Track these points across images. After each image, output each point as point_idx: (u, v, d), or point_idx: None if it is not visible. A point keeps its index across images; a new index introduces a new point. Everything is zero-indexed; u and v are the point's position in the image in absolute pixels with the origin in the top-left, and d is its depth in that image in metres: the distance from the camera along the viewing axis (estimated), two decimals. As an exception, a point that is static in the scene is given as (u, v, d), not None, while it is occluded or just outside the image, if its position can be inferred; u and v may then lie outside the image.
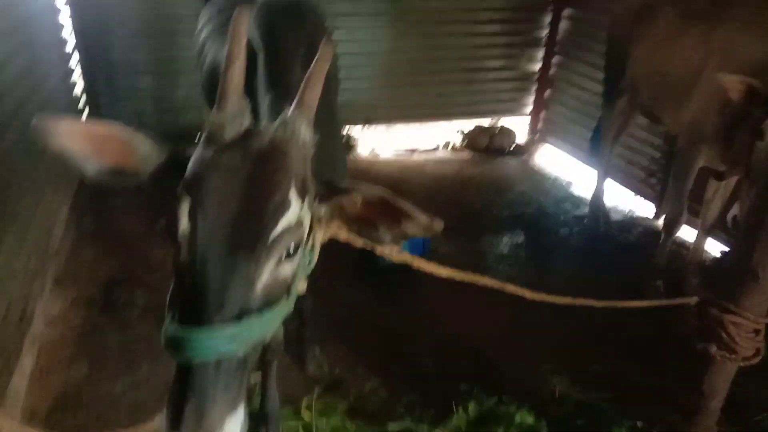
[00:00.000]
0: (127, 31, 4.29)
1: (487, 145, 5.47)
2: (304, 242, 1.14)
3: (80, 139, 1.14)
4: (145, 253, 3.50)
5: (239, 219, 1.03)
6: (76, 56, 4.23)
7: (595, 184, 4.17)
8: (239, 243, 1.02)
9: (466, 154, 5.42)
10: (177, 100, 4.55)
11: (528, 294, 1.87)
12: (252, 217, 1.03)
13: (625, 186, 4.60)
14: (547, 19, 5.25)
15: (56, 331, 2.87)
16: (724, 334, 1.69)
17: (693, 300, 1.78)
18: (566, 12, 5.15)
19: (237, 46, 1.13)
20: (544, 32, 5.31)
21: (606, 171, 4.15)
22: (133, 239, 3.64)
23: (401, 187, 4.48)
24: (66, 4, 4.06)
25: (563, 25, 5.20)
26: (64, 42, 4.07)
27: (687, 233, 3.93)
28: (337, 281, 3.30)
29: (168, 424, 0.98)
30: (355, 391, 2.61)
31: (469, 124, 5.55)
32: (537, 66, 5.43)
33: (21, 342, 2.56)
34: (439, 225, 1.19)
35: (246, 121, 1.13)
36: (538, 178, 5.04)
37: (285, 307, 1.13)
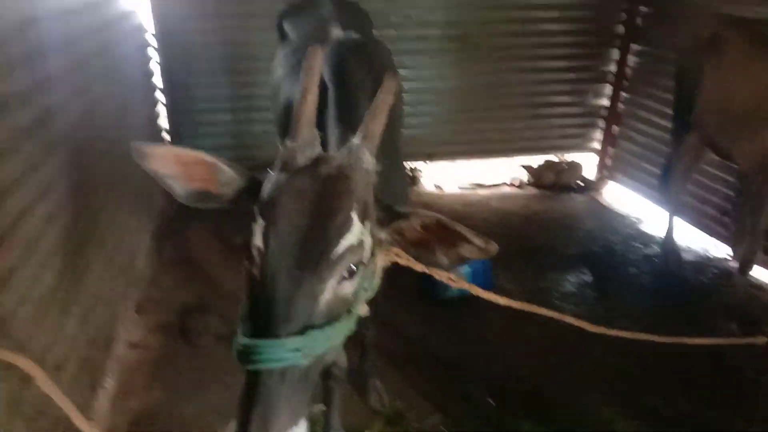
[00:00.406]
0: (208, 69, 4.58)
1: (554, 182, 5.42)
2: (364, 263, 1.22)
3: (172, 163, 1.29)
4: (219, 282, 3.69)
5: (306, 238, 1.13)
6: (161, 94, 4.58)
7: (667, 223, 4.05)
8: (305, 260, 1.12)
9: (532, 190, 5.39)
10: (253, 135, 4.80)
11: (589, 326, 1.86)
12: (317, 236, 1.13)
13: (697, 226, 4.43)
14: (615, 54, 5.21)
15: (136, 355, 3.06)
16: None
17: (762, 340, 1.72)
18: (634, 47, 5.10)
19: (310, 82, 1.26)
20: (612, 68, 5.27)
21: (676, 209, 4.03)
22: (208, 269, 3.85)
23: (464, 222, 4.45)
24: (156, 48, 4.42)
25: (631, 60, 5.15)
26: (152, 82, 4.41)
27: (762, 273, 3.78)
28: (399, 314, 3.36)
29: (238, 428, 1.07)
30: (416, 425, 2.63)
31: (535, 160, 5.53)
32: (605, 101, 5.38)
33: (105, 364, 2.74)
34: (494, 247, 1.25)
35: (316, 150, 1.24)
36: (607, 215, 4.94)
37: (346, 325, 1.22)
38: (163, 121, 4.65)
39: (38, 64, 2.15)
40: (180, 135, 4.73)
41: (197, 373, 2.92)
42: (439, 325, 3.36)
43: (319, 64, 1.29)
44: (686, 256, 4.16)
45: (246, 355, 1.10)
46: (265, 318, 1.11)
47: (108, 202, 2.99)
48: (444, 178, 5.34)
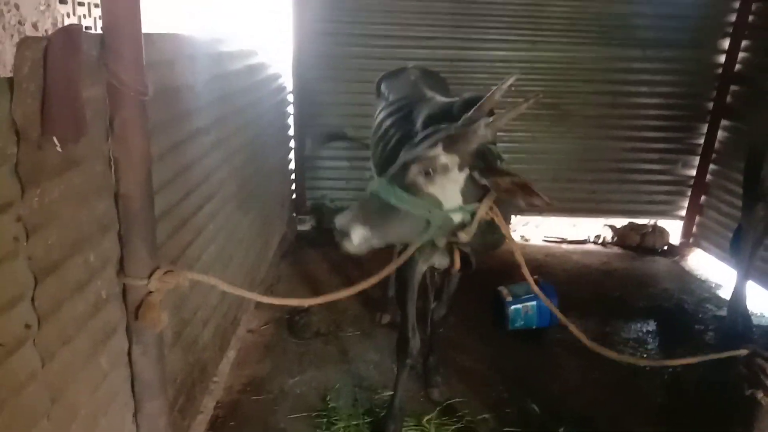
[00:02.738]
0: (332, 123, 5.50)
1: (638, 243, 5.71)
2: (441, 175, 2.04)
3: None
4: (322, 293, 4.40)
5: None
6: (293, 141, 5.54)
7: (735, 285, 4.27)
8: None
9: (615, 249, 5.71)
10: (363, 180, 5.61)
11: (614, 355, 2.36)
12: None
13: (776, 293, 4.57)
14: (704, 128, 5.53)
15: (252, 338, 3.82)
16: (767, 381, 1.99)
17: (743, 352, 2.09)
18: (723, 123, 5.40)
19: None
20: (701, 140, 5.58)
21: (747, 274, 4.23)
22: (314, 282, 4.61)
23: (543, 270, 4.97)
24: (292, 102, 5.41)
25: (720, 134, 5.44)
26: (287, 132, 5.39)
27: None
28: (472, 337, 3.89)
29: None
30: (468, 418, 3.12)
31: (621, 222, 5.86)
32: (693, 172, 5.66)
33: (230, 338, 3.52)
34: (548, 199, 1.97)
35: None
36: (685, 278, 5.17)
37: (420, 210, 2.03)
38: (292, 164, 5.61)
39: (215, 108, 3.03)
40: (303, 175, 5.65)
41: (298, 357, 3.62)
42: (507, 351, 3.81)
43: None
44: (758, 321, 4.32)
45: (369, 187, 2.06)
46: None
47: (251, 212, 3.86)
48: (530, 229, 5.82)
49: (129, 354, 2.02)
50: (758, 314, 4.43)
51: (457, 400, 3.25)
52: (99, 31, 3.00)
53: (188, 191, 2.61)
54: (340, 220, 2.05)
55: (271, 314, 4.10)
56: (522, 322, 4.01)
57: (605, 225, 5.86)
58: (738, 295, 4.25)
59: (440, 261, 2.69)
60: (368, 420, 3.05)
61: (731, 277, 4.92)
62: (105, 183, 1.80)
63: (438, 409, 3.17)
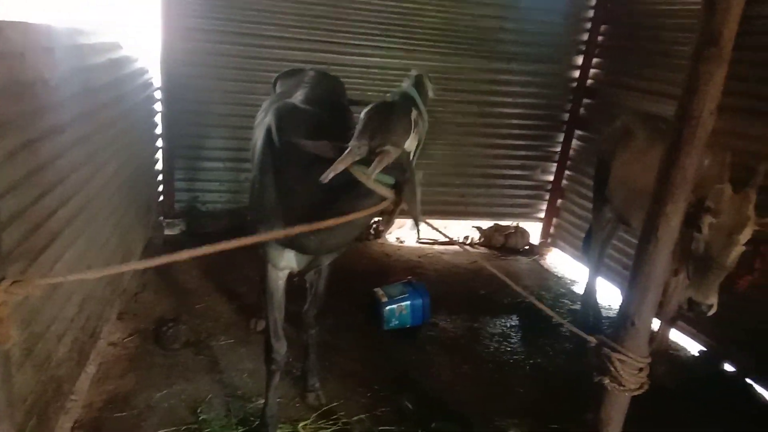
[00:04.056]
0: (205, 122, 5.29)
1: (502, 244, 6.09)
2: None
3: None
4: (193, 301, 4.23)
5: None
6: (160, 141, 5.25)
7: (587, 281, 4.68)
8: None
9: (482, 250, 6.04)
10: (239, 183, 5.46)
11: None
12: None
13: (620, 288, 5.07)
14: (560, 137, 6.02)
15: (115, 351, 3.56)
16: (613, 369, 2.20)
17: (593, 341, 2.30)
18: (577, 132, 5.92)
19: None
20: (558, 148, 6.06)
21: (597, 271, 4.66)
22: (184, 291, 4.40)
23: (417, 270, 5.13)
24: (161, 100, 5.13)
25: (574, 143, 5.95)
26: (155, 131, 5.10)
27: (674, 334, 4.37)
28: (346, 338, 3.91)
29: None
30: (345, 420, 3.14)
31: (488, 224, 6.21)
32: (550, 177, 6.14)
33: (89, 352, 3.26)
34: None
35: None
36: (544, 275, 5.59)
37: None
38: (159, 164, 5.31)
39: (74, 104, 2.79)
40: (173, 176, 5.37)
41: (165, 369, 3.43)
42: (383, 351, 3.89)
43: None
44: (606, 313, 4.77)
45: None
46: None
47: (114, 216, 3.59)
48: (404, 232, 5.99)
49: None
50: (607, 307, 4.88)
51: (334, 403, 3.25)
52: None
53: (42, 193, 2.38)
54: None
55: (135, 325, 3.85)
56: (396, 322, 4.11)
57: (473, 227, 6.17)
58: (589, 290, 4.67)
59: (300, 266, 2.73)
60: (242, 430, 2.97)
61: (584, 273, 5.41)
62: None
63: (315, 413, 3.15)
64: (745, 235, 2.96)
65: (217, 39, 5.07)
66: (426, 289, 4.27)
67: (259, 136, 2.80)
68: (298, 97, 2.93)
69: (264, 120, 2.84)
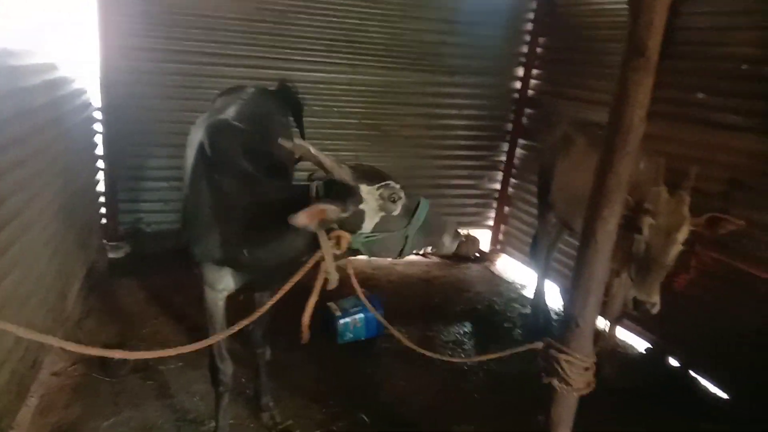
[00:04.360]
0: (147, 142, 5.17)
1: (454, 253, 6.14)
2: None
3: (307, 218, 2.04)
4: (139, 326, 4.11)
5: None
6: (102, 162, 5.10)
7: (536, 285, 4.80)
8: None
9: (434, 259, 6.09)
10: (178, 201, 5.33)
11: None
12: None
13: (563, 290, 5.21)
14: (505, 146, 6.17)
15: (59, 381, 3.42)
16: (560, 370, 2.26)
17: (540, 345, 2.36)
18: (521, 142, 6.08)
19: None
20: (503, 157, 6.21)
21: (544, 275, 4.78)
22: (130, 315, 4.26)
23: (370, 282, 5.14)
24: (101, 121, 4.99)
25: (518, 152, 6.11)
26: (95, 150, 4.95)
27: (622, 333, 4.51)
28: (300, 354, 3.85)
29: None
30: (300, 437, 3.11)
31: (439, 234, 6.27)
32: (497, 185, 6.28)
33: (31, 383, 3.12)
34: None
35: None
36: (495, 281, 5.69)
37: None
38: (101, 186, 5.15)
39: (8, 127, 2.68)
40: (115, 197, 5.22)
41: (113, 397, 3.32)
42: (338, 366, 3.87)
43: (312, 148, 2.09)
44: (556, 315, 4.89)
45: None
46: None
47: (54, 241, 3.45)
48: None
49: None
50: (557, 310, 5.00)
51: (289, 422, 3.21)
52: None
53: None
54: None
55: (78, 353, 3.69)
56: (351, 335, 4.10)
57: (425, 237, 6.22)
58: (538, 294, 4.78)
59: (237, 285, 2.71)
60: (195, 454, 2.90)
61: (533, 278, 5.54)
62: None
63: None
64: (683, 234, 3.11)
65: (158, 57, 4.99)
66: (380, 301, 4.28)
67: (189, 154, 2.76)
68: (229, 114, 2.90)
69: (194, 137, 2.81)
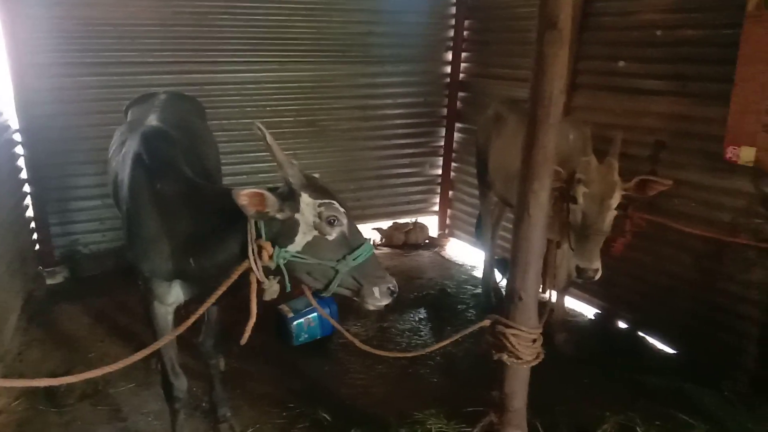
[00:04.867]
0: (74, 161, 4.97)
1: (403, 241, 6.18)
2: None
3: (249, 198, 2.01)
4: (85, 351, 3.96)
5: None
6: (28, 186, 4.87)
7: (484, 265, 4.87)
8: None
9: (385, 250, 6.11)
10: (120, 219, 5.15)
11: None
12: None
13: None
14: (442, 132, 6.22)
15: (2, 419, 3.25)
16: (509, 344, 2.30)
17: (487, 322, 2.40)
18: (457, 125, 6.14)
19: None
20: (442, 142, 6.26)
21: (492, 254, 4.86)
22: (74, 341, 4.10)
23: (322, 281, 5.09)
24: (22, 143, 4.76)
25: (456, 136, 6.18)
26: (19, 177, 4.72)
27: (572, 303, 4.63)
28: (257, 359, 3.81)
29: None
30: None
31: (387, 224, 6.29)
32: (439, 171, 6.33)
33: (-31, 426, 2.95)
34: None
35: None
36: (446, 265, 5.75)
37: None
38: (30, 211, 4.92)
39: None
40: (47, 221, 4.99)
41: (62, 428, 3.19)
42: (295, 368, 3.83)
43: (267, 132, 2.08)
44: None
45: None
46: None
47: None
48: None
49: None
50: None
51: (249, 430, 3.16)
52: None
53: None
54: None
55: (21, 387, 3.53)
56: (306, 335, 4.06)
57: (373, 228, 6.23)
58: (487, 273, 4.85)
59: (187, 296, 2.67)
60: (154, 476, 2.81)
61: (481, 258, 5.62)
62: None
63: (229, 443, 3.05)
64: (615, 199, 3.21)
65: (74, 72, 4.79)
66: (332, 298, 4.24)
67: (121, 167, 2.67)
68: (151, 122, 2.82)
69: (125, 149, 2.72)
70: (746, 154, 3.40)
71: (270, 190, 2.16)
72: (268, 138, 2.08)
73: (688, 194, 3.86)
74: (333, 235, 2.14)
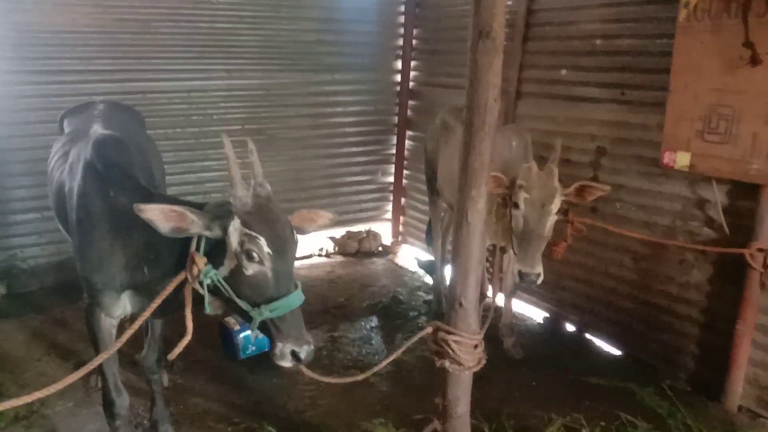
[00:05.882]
0: (9, 173, 4.78)
1: (357, 249, 6.17)
2: None
3: (160, 214, 1.99)
4: (19, 371, 3.79)
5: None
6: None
7: (435, 271, 4.89)
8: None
9: (338, 258, 6.08)
10: (60, 231, 4.97)
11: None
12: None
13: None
14: (394, 139, 6.25)
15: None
16: (450, 351, 2.30)
17: (430, 329, 2.40)
18: (408, 133, 6.18)
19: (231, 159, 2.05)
20: (393, 150, 6.29)
21: (442, 260, 4.87)
22: (7, 361, 3.90)
23: (272, 291, 5.02)
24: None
25: (407, 144, 6.21)
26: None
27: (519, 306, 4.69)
28: (201, 375, 3.72)
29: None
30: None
31: (340, 232, 6.26)
32: (391, 178, 6.35)
33: None
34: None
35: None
36: (399, 273, 5.75)
37: None
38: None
39: None
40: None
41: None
42: (241, 382, 3.74)
43: (230, 147, 2.07)
44: (458, 299, 5.01)
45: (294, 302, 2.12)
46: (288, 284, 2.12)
47: None
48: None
49: None
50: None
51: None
52: None
53: None
54: None
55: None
56: (254, 348, 3.97)
57: (327, 237, 6.19)
58: (437, 280, 4.87)
59: (134, 307, 2.59)
60: (91, 499, 2.70)
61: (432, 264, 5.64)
62: None
63: (172, 462, 2.96)
64: (555, 204, 3.27)
65: (11, 80, 4.60)
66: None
67: (69, 177, 2.60)
68: (99, 130, 2.75)
69: (72, 159, 2.64)
70: (682, 159, 3.52)
71: (201, 205, 2.12)
72: (229, 153, 2.04)
73: (628, 199, 3.98)
74: (250, 270, 2.04)
